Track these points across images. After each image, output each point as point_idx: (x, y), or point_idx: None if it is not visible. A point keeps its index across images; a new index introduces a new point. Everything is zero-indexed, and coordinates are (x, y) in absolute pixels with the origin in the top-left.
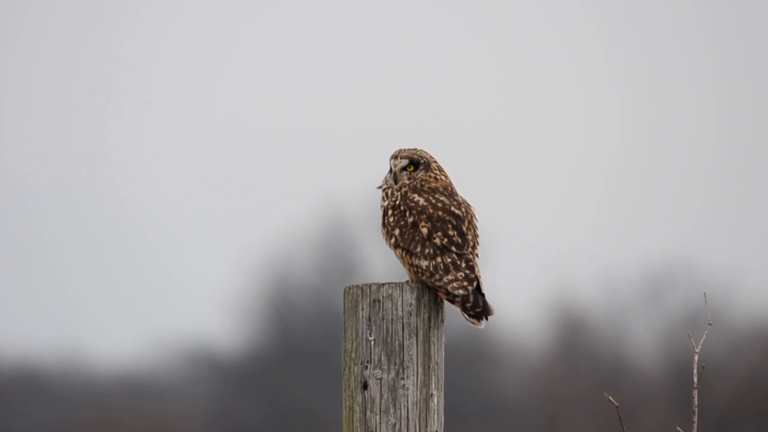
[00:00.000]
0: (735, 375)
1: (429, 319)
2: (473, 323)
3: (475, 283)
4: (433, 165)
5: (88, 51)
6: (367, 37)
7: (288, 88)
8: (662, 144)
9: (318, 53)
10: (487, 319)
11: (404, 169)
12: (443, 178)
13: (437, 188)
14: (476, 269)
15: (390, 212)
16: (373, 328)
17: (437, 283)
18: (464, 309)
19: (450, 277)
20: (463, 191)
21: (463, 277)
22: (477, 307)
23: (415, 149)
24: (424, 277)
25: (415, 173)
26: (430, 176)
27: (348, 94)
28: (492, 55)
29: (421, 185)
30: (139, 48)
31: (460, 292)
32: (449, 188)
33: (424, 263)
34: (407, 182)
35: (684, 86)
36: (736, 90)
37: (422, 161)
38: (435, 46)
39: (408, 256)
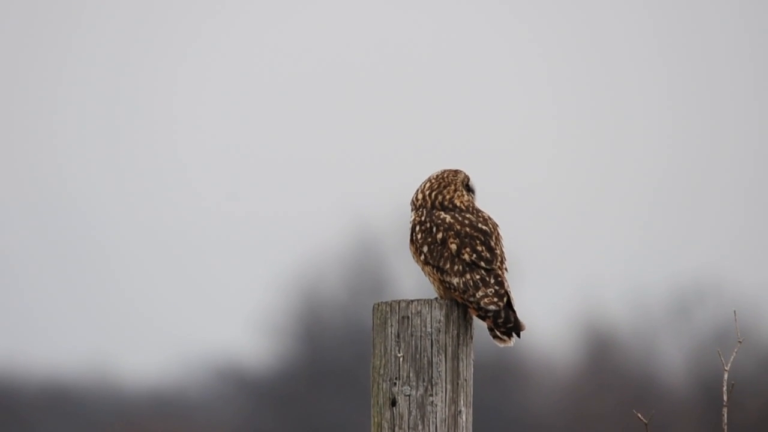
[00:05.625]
0: (763, 392)
1: (458, 335)
2: (504, 341)
3: (505, 299)
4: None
5: (103, 59)
6: (394, 61)
7: (317, 107)
8: (689, 163)
9: (346, 72)
10: (519, 335)
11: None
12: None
13: (461, 206)
14: (505, 284)
15: (417, 228)
16: (402, 345)
17: (470, 299)
18: (496, 325)
19: (480, 293)
20: (490, 209)
21: (493, 293)
22: (509, 323)
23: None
24: (455, 294)
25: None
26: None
27: (376, 112)
28: (512, 74)
29: (433, 206)
30: (166, 69)
31: (492, 308)
32: (470, 207)
33: (455, 280)
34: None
35: (706, 96)
36: (760, 103)
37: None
38: (459, 66)
39: (439, 273)
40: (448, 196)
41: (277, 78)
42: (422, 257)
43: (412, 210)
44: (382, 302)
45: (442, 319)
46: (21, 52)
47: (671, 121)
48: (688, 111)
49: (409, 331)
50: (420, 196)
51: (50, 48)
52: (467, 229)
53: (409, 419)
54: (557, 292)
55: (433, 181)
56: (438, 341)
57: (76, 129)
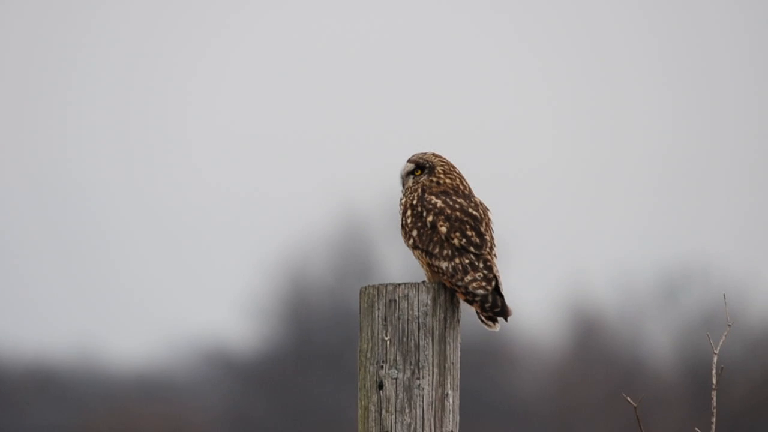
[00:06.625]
0: (750, 376)
1: (445, 319)
2: (490, 326)
3: (493, 283)
4: (438, 169)
5: (94, 61)
6: (382, 41)
7: (304, 91)
8: (677, 146)
9: (333, 56)
10: (506, 320)
11: (411, 173)
12: (448, 180)
13: (451, 190)
14: (494, 269)
15: (408, 212)
16: (389, 328)
17: (458, 283)
18: (483, 309)
19: (469, 277)
20: (478, 192)
21: (481, 278)
22: (496, 308)
23: (424, 153)
24: (444, 278)
25: (419, 177)
26: (432, 180)
27: (364, 96)
28: (505, 58)
29: (423, 190)
30: (156, 56)
31: (480, 292)
32: (459, 190)
33: (444, 264)
34: (411, 185)
35: (694, 85)
36: (749, 90)
37: (427, 165)
38: (450, 50)
39: (427, 257)
40: (460, 181)
41: (265, 63)
42: (411, 241)
43: (405, 183)
44: (369, 286)
45: (429, 302)
46: (32, 42)
47: (660, 107)
48: (677, 97)
49: (396, 315)
50: (447, 181)
51: (57, 35)
52: (457, 214)
53: (396, 402)
54: (545, 276)
55: (446, 166)
56: (425, 325)
57: (63, 113)
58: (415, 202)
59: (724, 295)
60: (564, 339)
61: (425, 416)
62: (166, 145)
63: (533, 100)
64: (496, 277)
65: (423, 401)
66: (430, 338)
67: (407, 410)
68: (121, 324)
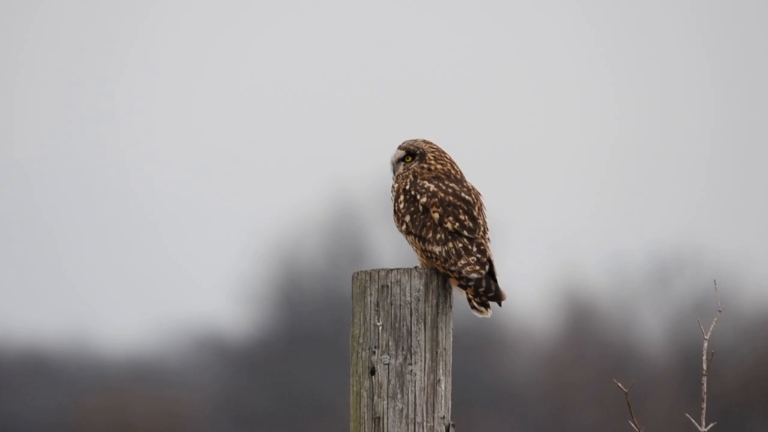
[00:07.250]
0: (742, 361)
1: (437, 304)
2: (481, 312)
3: (487, 267)
4: (429, 155)
5: (98, 35)
6: (375, 23)
7: (297, 73)
8: (670, 129)
9: (326, 38)
10: (500, 304)
11: (402, 160)
12: (439, 166)
13: (443, 175)
14: (488, 253)
15: (401, 198)
16: (381, 314)
17: (451, 268)
18: (476, 294)
19: (462, 262)
20: (470, 177)
21: (474, 261)
22: (490, 292)
23: (414, 140)
24: (437, 263)
25: (410, 164)
26: (422, 167)
27: (357, 78)
28: (494, 37)
29: (415, 176)
30: (148, 31)
31: (474, 276)
32: (451, 175)
33: (437, 249)
34: (402, 172)
35: (689, 71)
36: (744, 76)
37: (418, 152)
38: (442, 32)
39: (420, 242)
40: (451, 166)
41: (255, 47)
42: (404, 227)
43: (396, 170)
44: (361, 271)
45: (421, 288)
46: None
47: (652, 91)
48: (669, 81)
49: (389, 300)
50: (438, 167)
51: (15, 31)
52: (450, 198)
53: (388, 388)
54: (537, 261)
55: (437, 152)
56: (417, 310)
57: (60, 100)
58: (407, 187)
59: (715, 281)
60: (556, 324)
61: (417, 402)
62: (159, 131)
63: (526, 83)
64: (490, 261)
65: (415, 387)
66: (423, 324)
67: (399, 396)
68: (113, 308)
